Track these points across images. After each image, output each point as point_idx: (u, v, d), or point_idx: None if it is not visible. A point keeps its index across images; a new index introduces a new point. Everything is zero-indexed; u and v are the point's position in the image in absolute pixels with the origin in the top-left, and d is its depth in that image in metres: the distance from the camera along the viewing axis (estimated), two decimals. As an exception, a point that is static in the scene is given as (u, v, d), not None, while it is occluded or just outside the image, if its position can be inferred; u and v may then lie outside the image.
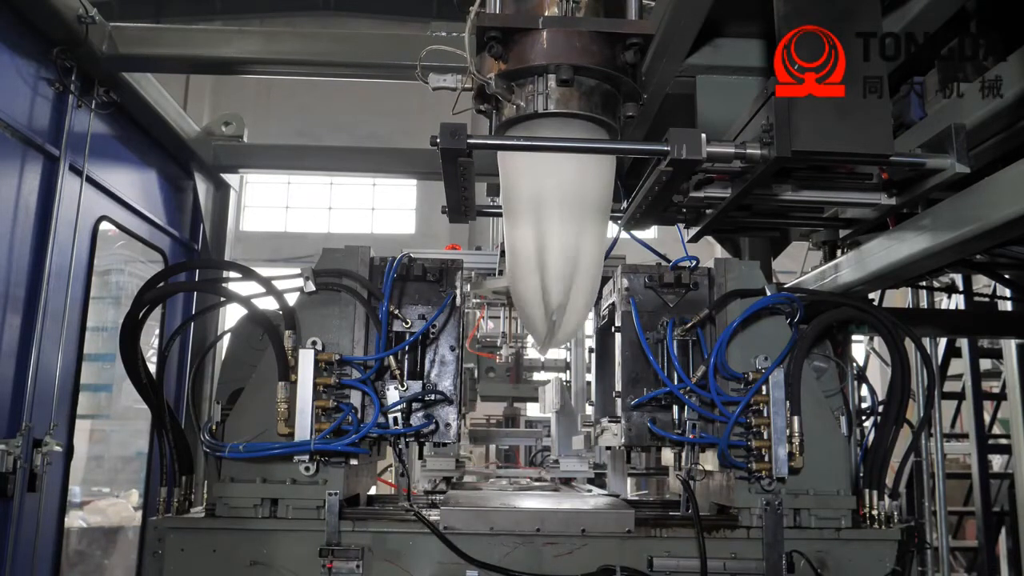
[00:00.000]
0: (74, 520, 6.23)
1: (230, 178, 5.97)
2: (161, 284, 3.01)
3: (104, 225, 4.48)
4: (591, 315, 3.68)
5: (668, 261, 3.20)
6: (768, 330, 2.92)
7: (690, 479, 2.90)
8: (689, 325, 2.93)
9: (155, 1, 17.31)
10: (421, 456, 3.52)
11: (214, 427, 2.86)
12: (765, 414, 2.74)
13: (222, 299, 3.19)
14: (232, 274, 3.03)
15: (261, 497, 2.75)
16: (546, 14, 2.39)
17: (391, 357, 2.87)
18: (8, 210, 3.62)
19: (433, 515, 2.81)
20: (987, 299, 6.15)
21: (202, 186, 5.68)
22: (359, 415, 2.82)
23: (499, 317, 7.49)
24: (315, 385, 2.73)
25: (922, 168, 2.45)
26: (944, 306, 7.19)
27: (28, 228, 3.76)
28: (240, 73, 5.04)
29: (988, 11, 2.68)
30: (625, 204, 3.26)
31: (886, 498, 2.82)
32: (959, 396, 7.52)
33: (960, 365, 7.02)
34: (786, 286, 3.29)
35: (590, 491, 4.72)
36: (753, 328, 2.91)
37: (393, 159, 6.31)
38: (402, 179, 16.25)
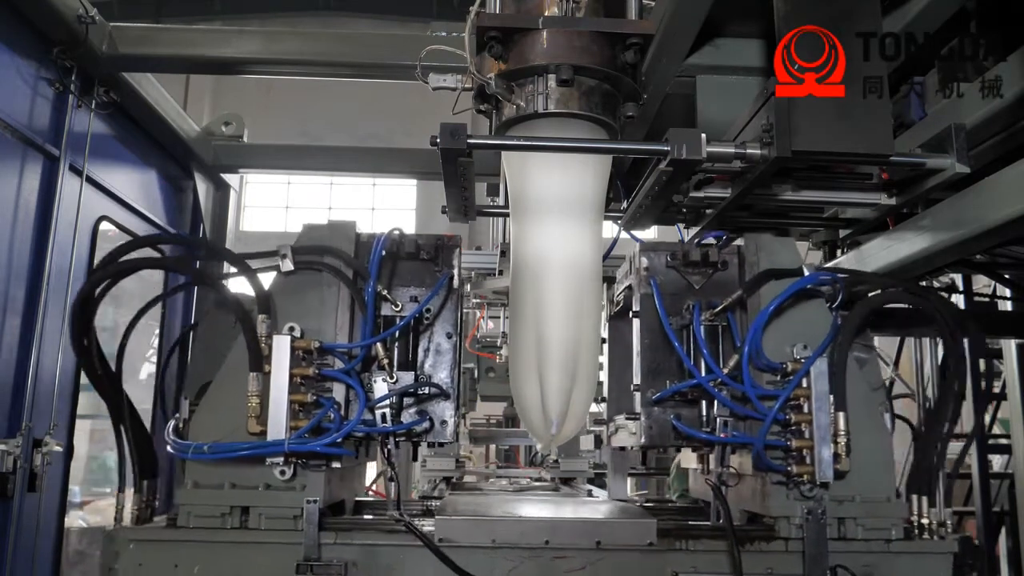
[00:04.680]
0: (74, 520, 6.23)
1: (230, 178, 5.98)
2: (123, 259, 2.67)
3: (104, 225, 4.48)
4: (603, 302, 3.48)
5: None
6: (804, 316, 2.61)
7: (721, 484, 2.58)
8: (719, 308, 2.63)
9: (155, 1, 17.31)
10: (415, 457, 3.24)
11: (181, 425, 2.57)
12: (806, 410, 2.45)
13: (190, 280, 2.93)
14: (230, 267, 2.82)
15: (230, 505, 2.45)
16: (546, 14, 2.39)
17: (378, 345, 2.56)
18: (8, 210, 3.62)
19: (427, 525, 2.54)
20: (987, 299, 6.15)
21: (202, 186, 5.68)
22: (342, 411, 2.54)
23: (499, 317, 7.48)
24: (291, 377, 2.43)
25: (922, 168, 2.45)
26: (944, 306, 7.16)
27: (28, 228, 3.76)
28: (240, 73, 5.04)
29: (988, 11, 2.68)
30: (625, 204, 3.25)
31: (939, 504, 2.63)
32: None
33: (960, 365, 7.00)
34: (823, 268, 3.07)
35: (590, 491, 4.70)
36: (788, 314, 2.60)
37: (393, 159, 6.32)
38: (402, 179, 16.25)
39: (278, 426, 2.39)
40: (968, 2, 2.61)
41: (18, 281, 3.69)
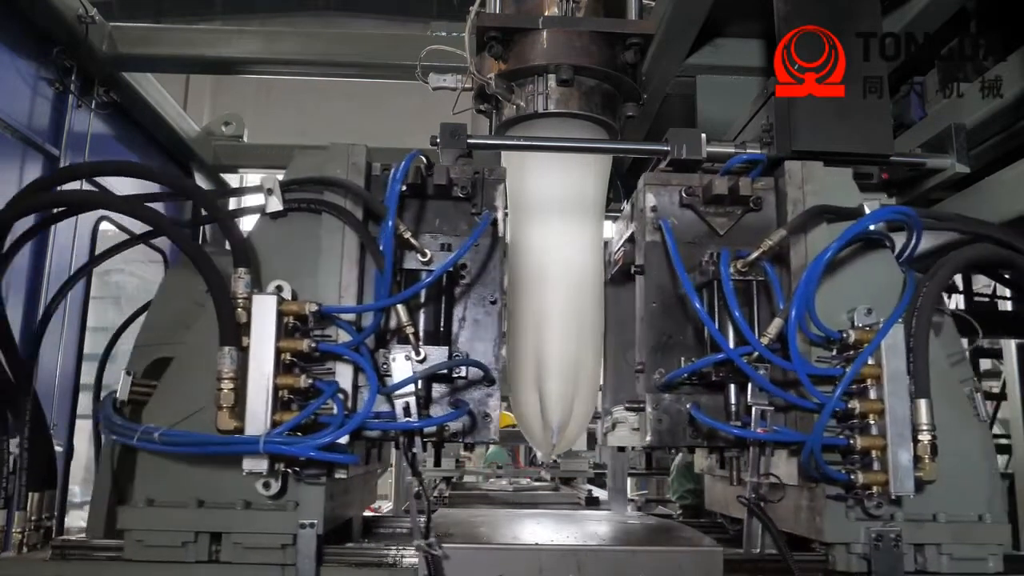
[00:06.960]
0: (74, 520, 6.22)
1: (230, 178, 5.98)
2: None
3: (104, 225, 4.48)
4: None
5: None
6: (861, 271, 2.01)
7: (761, 501, 1.92)
8: (753, 256, 1.96)
9: (155, 1, 17.31)
10: (438, 462, 2.41)
11: (119, 403, 1.96)
12: (873, 395, 1.85)
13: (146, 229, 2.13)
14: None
15: (195, 530, 1.86)
16: (546, 14, 2.40)
17: (399, 309, 1.90)
18: (8, 210, 3.62)
19: (410, 553, 1.98)
20: (987, 299, 6.16)
21: (202, 186, 5.68)
22: (349, 401, 1.92)
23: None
24: (278, 353, 1.81)
25: (922, 168, 2.46)
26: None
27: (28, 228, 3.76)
28: (240, 73, 5.05)
29: (988, 11, 2.69)
30: (625, 204, 3.25)
31: None
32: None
33: (960, 365, 7.01)
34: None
35: (590, 491, 4.68)
36: (842, 269, 2.00)
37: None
38: (402, 179, 16.22)
39: (256, 418, 1.76)
40: (968, 2, 2.62)
41: (18, 281, 3.69)
